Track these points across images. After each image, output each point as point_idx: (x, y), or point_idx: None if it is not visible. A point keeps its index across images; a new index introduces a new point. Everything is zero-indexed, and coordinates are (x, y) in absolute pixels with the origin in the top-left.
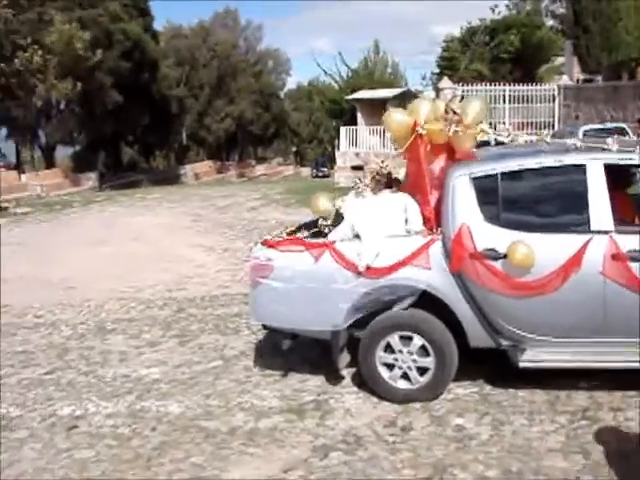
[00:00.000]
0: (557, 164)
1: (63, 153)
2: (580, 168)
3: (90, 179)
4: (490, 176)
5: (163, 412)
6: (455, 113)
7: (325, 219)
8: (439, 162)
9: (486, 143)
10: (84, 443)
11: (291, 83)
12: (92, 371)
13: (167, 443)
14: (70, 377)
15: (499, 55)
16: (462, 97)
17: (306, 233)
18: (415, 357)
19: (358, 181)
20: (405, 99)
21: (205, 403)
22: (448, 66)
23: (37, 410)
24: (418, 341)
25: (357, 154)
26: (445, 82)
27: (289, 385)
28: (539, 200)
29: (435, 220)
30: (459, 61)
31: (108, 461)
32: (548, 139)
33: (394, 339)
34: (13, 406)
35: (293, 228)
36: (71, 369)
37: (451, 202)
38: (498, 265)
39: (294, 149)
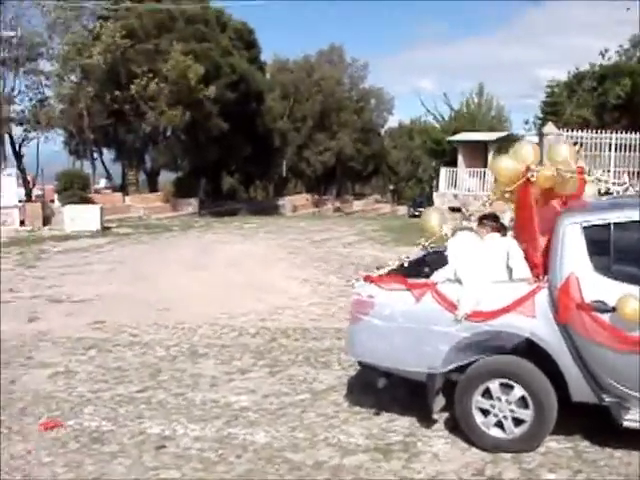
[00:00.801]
0: None
1: (166, 178)
2: None
3: (190, 205)
4: (602, 226)
5: (249, 440)
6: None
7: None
8: (548, 208)
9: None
10: (171, 464)
11: (392, 121)
12: (182, 393)
13: (252, 471)
14: (161, 397)
15: (607, 102)
16: (575, 143)
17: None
18: (513, 407)
19: (466, 223)
20: (507, 143)
21: (291, 435)
22: (552, 111)
23: (128, 426)
24: (519, 391)
25: (456, 196)
26: (549, 127)
27: (377, 424)
28: None
29: (543, 267)
30: (563, 106)
31: None
32: None
33: (494, 385)
34: (105, 420)
35: (395, 266)
36: (162, 389)
37: (560, 250)
38: (606, 318)
39: (392, 187)
